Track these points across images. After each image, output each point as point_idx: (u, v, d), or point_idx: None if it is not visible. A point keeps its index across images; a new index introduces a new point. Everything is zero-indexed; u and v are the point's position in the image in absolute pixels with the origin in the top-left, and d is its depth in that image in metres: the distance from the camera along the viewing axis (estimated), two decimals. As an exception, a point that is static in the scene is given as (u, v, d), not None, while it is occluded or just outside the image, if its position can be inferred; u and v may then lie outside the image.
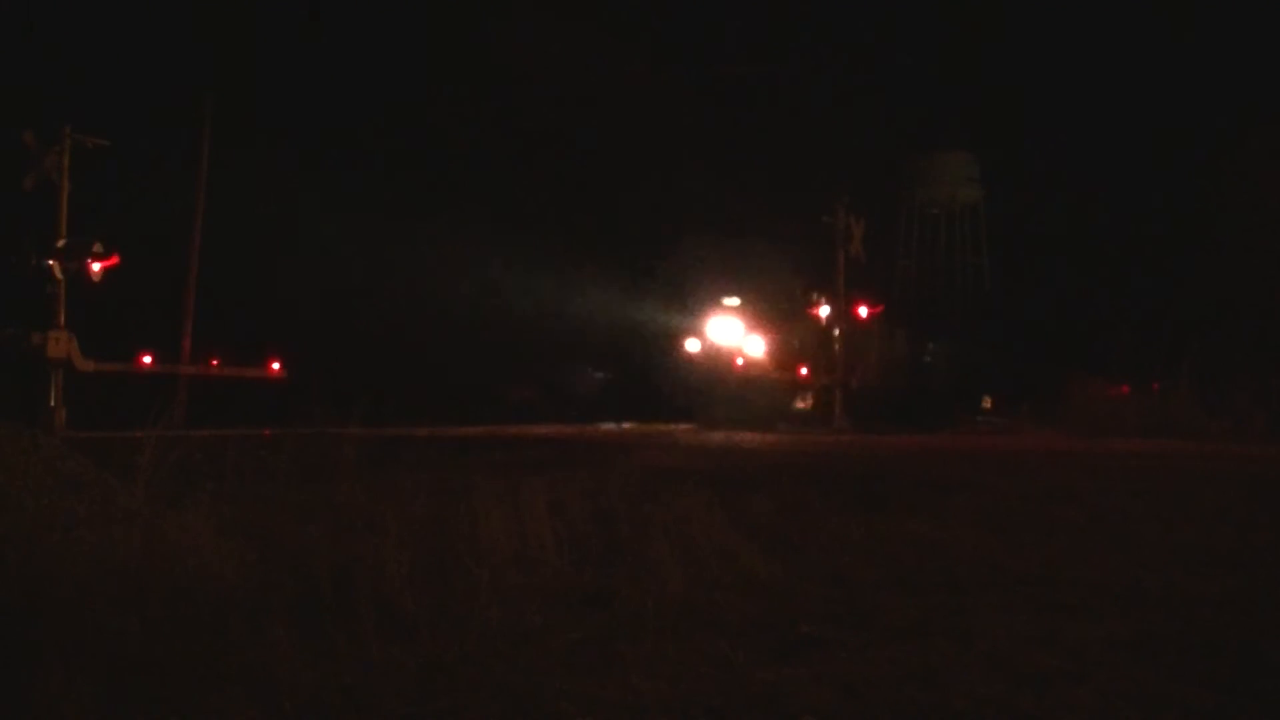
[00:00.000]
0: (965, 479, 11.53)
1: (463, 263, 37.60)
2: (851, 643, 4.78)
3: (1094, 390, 34.25)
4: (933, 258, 71.40)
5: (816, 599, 5.69)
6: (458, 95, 31.75)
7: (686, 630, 4.85)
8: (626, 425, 28.63)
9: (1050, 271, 56.34)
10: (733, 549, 6.56)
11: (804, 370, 34.59)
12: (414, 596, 5.10)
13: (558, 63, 35.11)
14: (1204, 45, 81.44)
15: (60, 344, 18.94)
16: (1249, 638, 5.01)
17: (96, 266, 19.40)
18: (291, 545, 5.92)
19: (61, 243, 19.11)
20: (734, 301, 36.27)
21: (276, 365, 26.76)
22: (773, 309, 36.15)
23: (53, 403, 18.76)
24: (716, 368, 35.13)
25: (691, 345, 36.34)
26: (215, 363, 26.29)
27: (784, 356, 35.36)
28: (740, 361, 35.48)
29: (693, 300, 36.79)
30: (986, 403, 41.46)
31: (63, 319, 19.29)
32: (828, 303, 32.29)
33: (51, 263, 19.04)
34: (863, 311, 32.84)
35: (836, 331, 32.64)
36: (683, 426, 28.52)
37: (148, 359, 25.33)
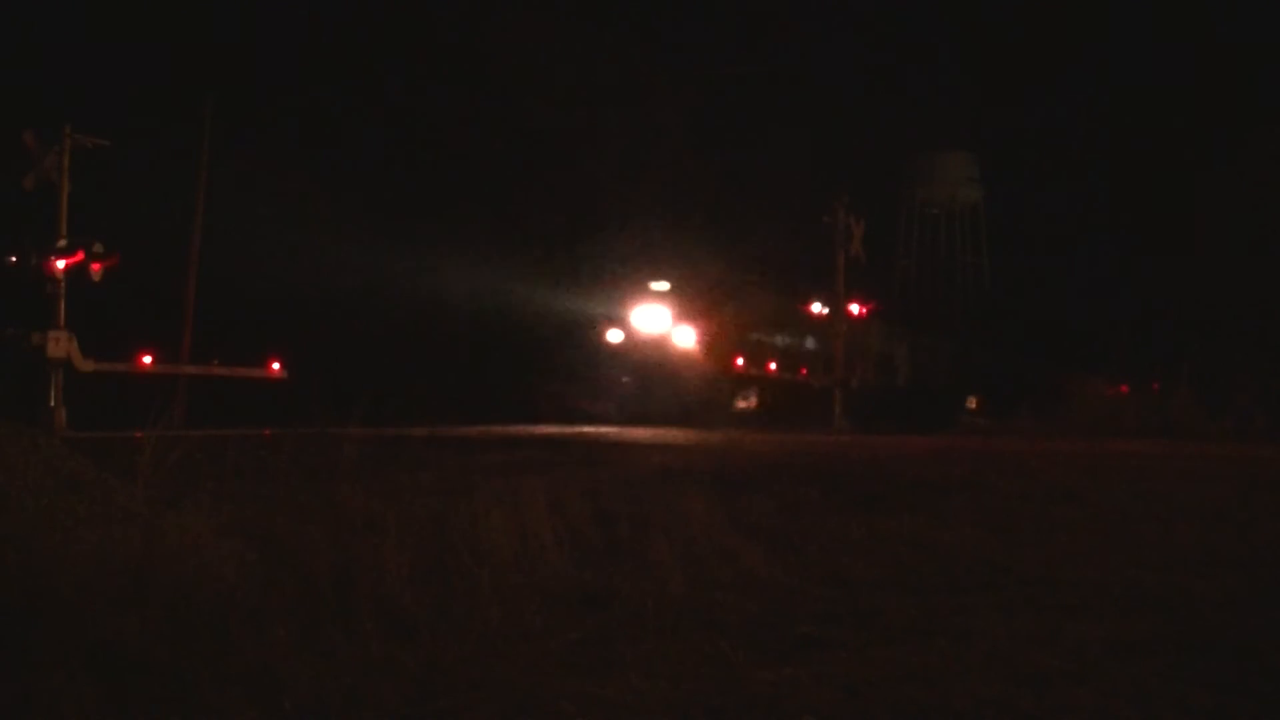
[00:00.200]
0: (965, 479, 11.53)
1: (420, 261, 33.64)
2: (851, 643, 4.78)
3: (1094, 390, 34.25)
4: (933, 258, 71.41)
5: (816, 599, 5.69)
6: (455, 94, 31.33)
7: (686, 630, 4.85)
8: (518, 429, 21.50)
9: (1050, 271, 56.39)
10: (733, 549, 6.56)
11: (740, 362, 32.13)
12: (414, 596, 5.10)
13: (552, 61, 34.09)
14: (1204, 45, 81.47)
15: (60, 344, 18.94)
16: (1249, 638, 5.01)
17: (96, 266, 19.40)
18: (291, 545, 5.92)
19: (62, 243, 19.11)
20: (663, 285, 32.24)
21: (276, 365, 26.76)
22: (709, 294, 32.52)
23: (53, 403, 18.76)
24: (643, 360, 31.10)
25: (613, 336, 32.00)
26: (215, 363, 26.29)
27: (722, 348, 32.04)
28: (678, 352, 31.41)
29: (616, 284, 32.47)
30: (972, 403, 41.16)
31: (63, 319, 19.30)
32: (825, 302, 31.79)
33: (51, 262, 19.04)
34: (854, 309, 32.01)
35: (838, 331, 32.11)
36: (605, 429, 22.97)
37: (148, 359, 25.31)
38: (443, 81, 31.93)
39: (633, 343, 31.55)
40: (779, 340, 35.87)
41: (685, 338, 31.71)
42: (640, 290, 32.14)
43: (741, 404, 32.40)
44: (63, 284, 19.18)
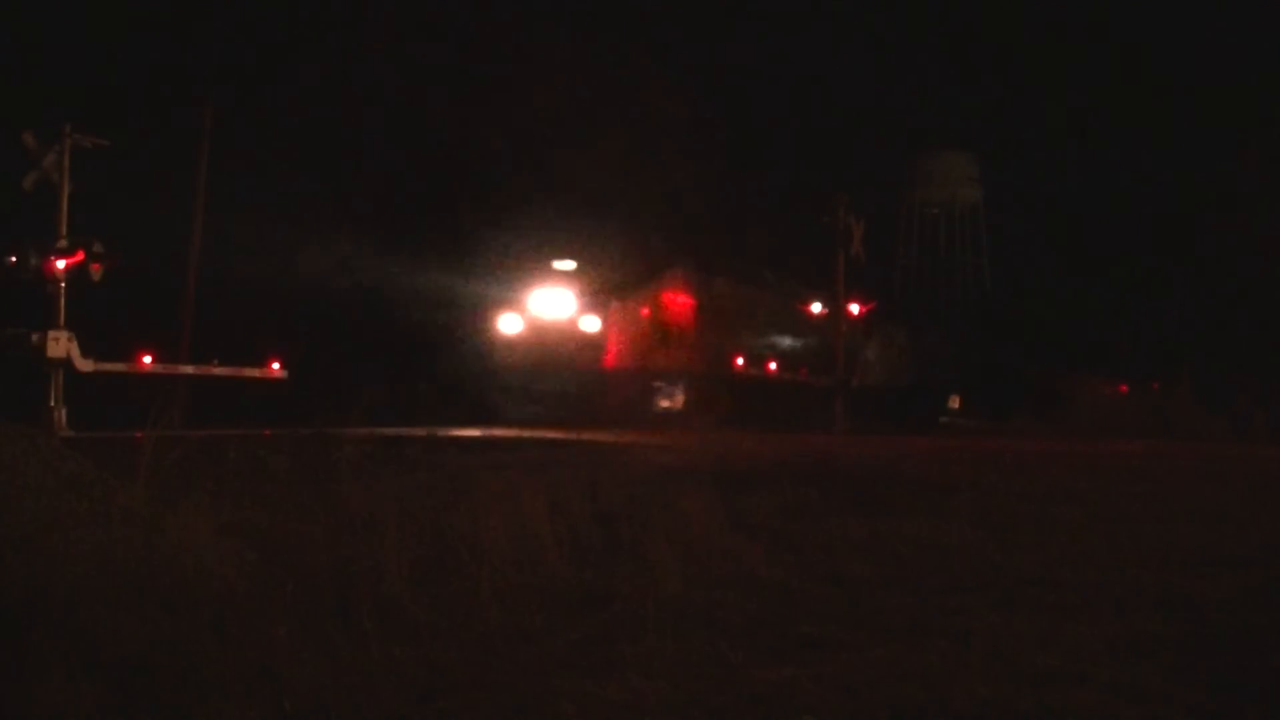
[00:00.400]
0: (965, 479, 11.53)
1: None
2: (851, 643, 4.78)
3: (1093, 390, 34.30)
4: (933, 258, 71.43)
5: (816, 599, 5.69)
6: (453, 93, 30.83)
7: (686, 630, 4.85)
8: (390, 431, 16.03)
9: (1050, 272, 56.40)
10: (733, 549, 6.56)
11: (673, 358, 28.36)
12: (414, 596, 5.10)
13: (547, 58, 33.09)
14: (1204, 45, 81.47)
15: (60, 344, 18.93)
16: (1249, 638, 5.02)
17: (96, 267, 19.40)
18: (291, 545, 5.93)
19: (62, 243, 19.11)
20: (568, 265, 27.17)
21: (276, 365, 26.75)
22: (626, 279, 27.72)
23: (53, 403, 18.75)
24: (543, 352, 26.06)
25: (508, 323, 26.75)
26: (215, 363, 26.28)
27: (643, 341, 27.65)
28: (583, 343, 26.76)
29: (515, 265, 27.17)
30: (954, 402, 40.44)
31: (63, 319, 19.29)
32: (824, 301, 31.65)
33: (51, 262, 19.04)
34: (853, 308, 31.76)
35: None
36: (497, 432, 19.04)
37: (148, 359, 25.31)
38: (442, 79, 31.29)
39: (531, 332, 26.52)
40: (759, 339, 33.56)
41: (593, 326, 26.75)
42: (542, 270, 27.04)
43: (665, 403, 28.03)
44: (63, 284, 19.17)
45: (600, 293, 27.32)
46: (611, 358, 27.03)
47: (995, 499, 9.93)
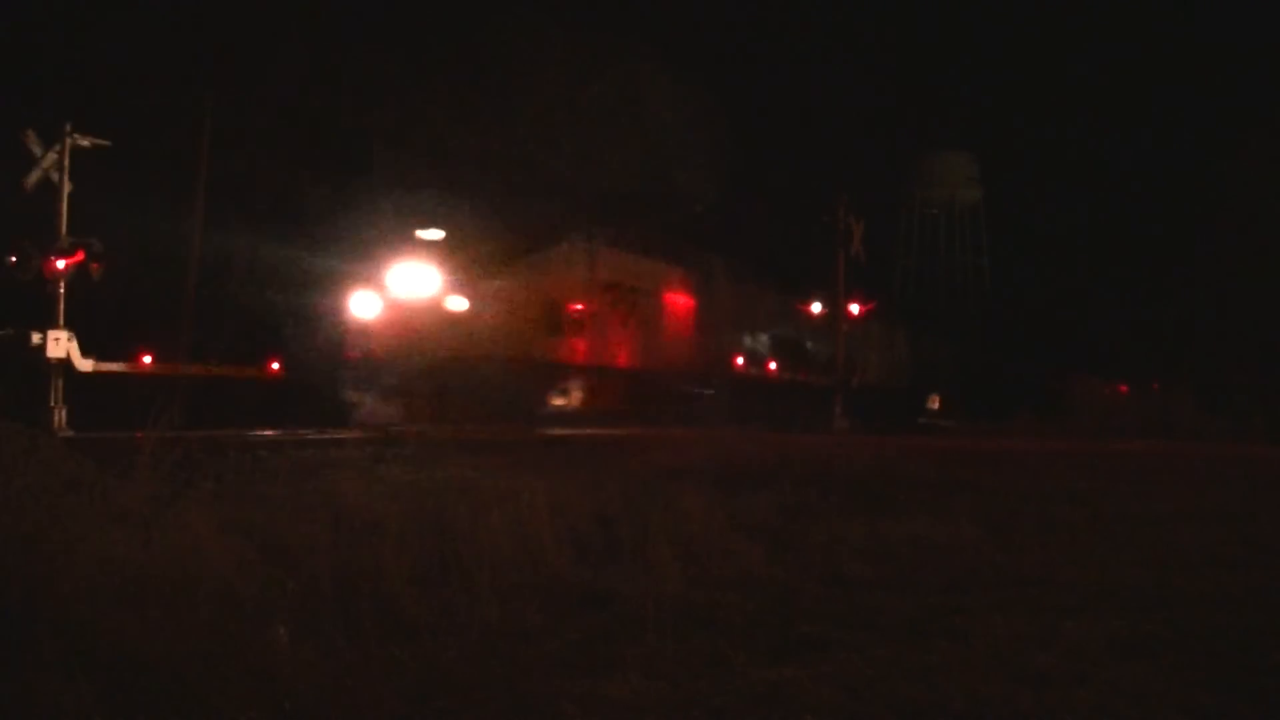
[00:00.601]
0: (965, 479, 11.53)
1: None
2: (851, 643, 4.78)
3: (1093, 390, 34.32)
4: (933, 258, 71.49)
5: (816, 599, 5.68)
6: (453, 90, 30.25)
7: (686, 630, 4.85)
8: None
9: (1050, 272, 56.44)
10: (733, 549, 6.57)
11: (567, 347, 23.92)
12: (414, 596, 5.10)
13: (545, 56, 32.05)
14: (1204, 45, 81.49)
15: (60, 344, 18.92)
16: (1249, 638, 5.02)
17: (96, 266, 19.40)
18: (291, 545, 5.92)
19: (62, 243, 19.10)
20: (434, 235, 22.36)
21: (276, 365, 26.74)
22: (509, 252, 22.94)
23: (53, 403, 18.74)
24: (403, 340, 21.63)
25: (363, 303, 21.95)
26: (215, 362, 26.27)
27: (530, 326, 22.92)
28: (450, 327, 21.59)
29: (375, 236, 22.44)
30: (934, 402, 39.86)
31: (62, 319, 19.29)
32: (824, 301, 31.59)
33: (51, 262, 19.04)
34: (854, 309, 31.64)
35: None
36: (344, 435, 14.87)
37: (148, 359, 25.31)
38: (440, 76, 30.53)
39: (390, 315, 21.99)
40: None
41: (460, 305, 22.08)
42: (404, 241, 22.31)
43: (559, 400, 23.96)
44: (63, 284, 19.17)
45: (476, 267, 22.22)
46: (490, 345, 21.82)
47: (995, 499, 9.93)
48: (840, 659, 4.52)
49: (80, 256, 19.19)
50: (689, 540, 6.63)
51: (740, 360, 32.75)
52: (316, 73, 28.05)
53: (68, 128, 19.14)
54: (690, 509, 7.34)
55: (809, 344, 34.84)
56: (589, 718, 3.82)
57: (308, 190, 24.38)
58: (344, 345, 22.24)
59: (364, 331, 22.08)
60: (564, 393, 24.37)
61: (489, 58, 29.35)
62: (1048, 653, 4.63)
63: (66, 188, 19.27)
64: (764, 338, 34.51)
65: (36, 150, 18.88)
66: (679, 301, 29.65)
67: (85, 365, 19.48)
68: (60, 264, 19.07)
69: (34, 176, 19.00)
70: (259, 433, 14.87)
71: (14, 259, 19.04)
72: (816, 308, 31.89)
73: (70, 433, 16.36)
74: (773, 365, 34.14)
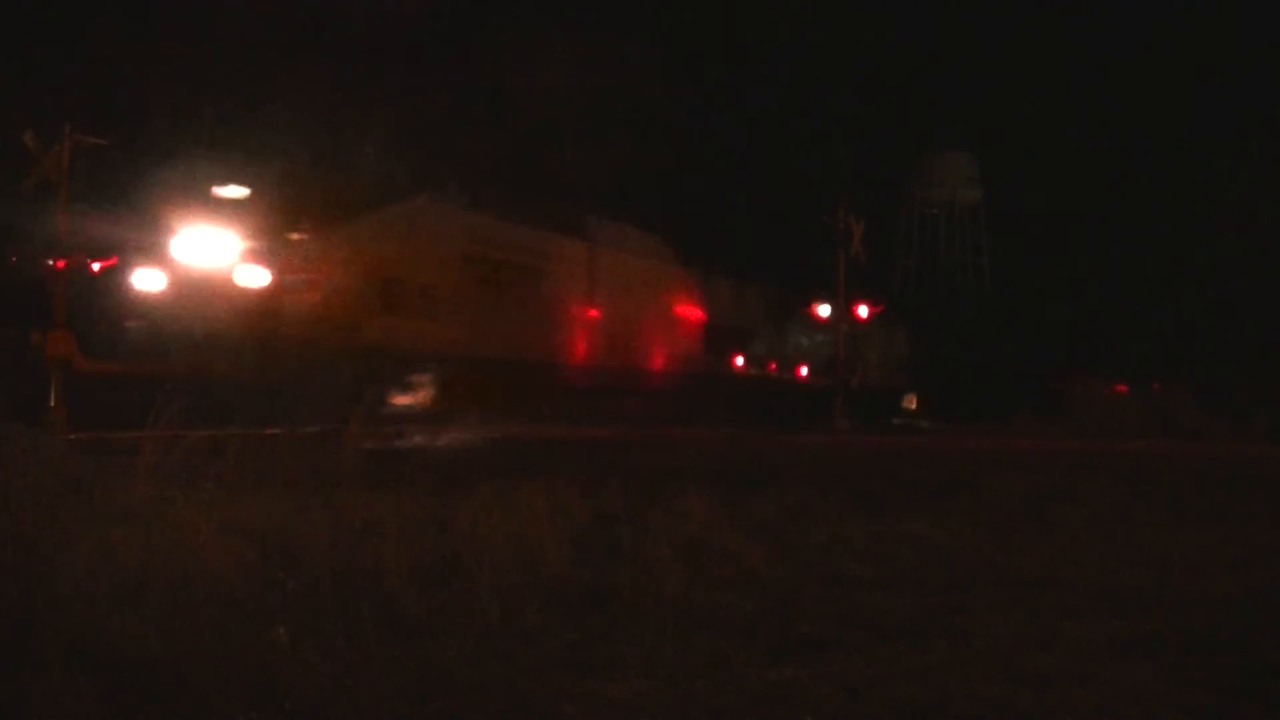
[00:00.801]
0: (965, 479, 11.54)
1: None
2: (851, 643, 4.78)
3: (1093, 390, 34.32)
4: (933, 258, 71.52)
5: (816, 599, 5.69)
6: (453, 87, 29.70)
7: (686, 630, 4.85)
8: None
9: (1050, 272, 56.43)
10: (733, 549, 6.56)
11: (414, 331, 19.65)
12: (414, 596, 5.10)
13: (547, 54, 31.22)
14: (1204, 45, 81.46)
15: (60, 344, 18.92)
16: (1249, 638, 5.02)
17: (96, 266, 19.42)
18: (291, 545, 5.92)
19: (62, 242, 19.12)
20: (235, 192, 18.41)
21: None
22: (337, 211, 18.58)
23: (53, 403, 18.75)
24: (189, 321, 17.50)
25: (145, 279, 18.37)
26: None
27: (360, 303, 18.60)
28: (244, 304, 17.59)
29: (165, 195, 18.10)
30: (910, 402, 39.05)
31: (62, 319, 19.29)
32: (827, 302, 31.54)
33: (51, 262, 19.05)
34: (862, 311, 31.61)
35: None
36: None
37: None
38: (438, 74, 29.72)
39: (175, 291, 18.00)
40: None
41: (261, 279, 17.82)
42: (198, 201, 18.16)
43: (405, 398, 19.34)
44: (63, 284, 19.18)
45: (290, 230, 18.19)
46: (304, 327, 17.78)
47: (995, 499, 9.93)
48: (840, 659, 4.52)
49: (80, 256, 19.19)
50: (689, 540, 6.63)
51: (740, 360, 32.75)
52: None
53: (67, 128, 19.12)
54: (690, 509, 7.35)
55: (806, 343, 34.87)
56: (589, 718, 3.82)
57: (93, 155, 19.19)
58: (123, 327, 18.22)
59: (143, 312, 18.16)
60: (410, 388, 19.56)
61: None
62: (1048, 653, 4.64)
63: (66, 188, 19.23)
64: (763, 337, 34.55)
65: (36, 151, 18.86)
66: (580, 284, 24.70)
67: (85, 365, 19.47)
68: (60, 264, 19.08)
69: (34, 177, 18.99)
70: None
71: (14, 259, 19.06)
72: (824, 310, 31.83)
73: (71, 432, 16.34)
74: (774, 365, 34.18)
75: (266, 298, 17.92)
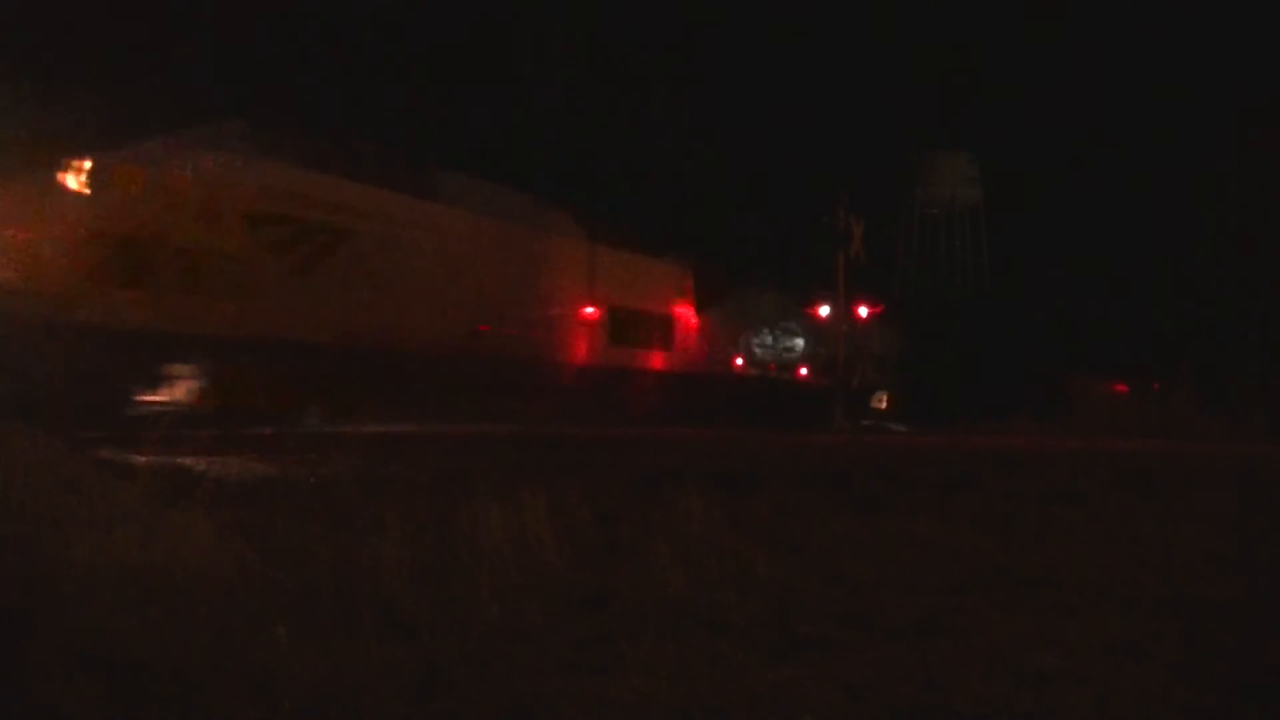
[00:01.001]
0: (965, 479, 11.53)
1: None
2: (851, 643, 4.78)
3: (1093, 390, 34.28)
4: (933, 258, 71.53)
5: (816, 599, 5.68)
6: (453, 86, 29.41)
7: (686, 630, 4.85)
8: None
9: (1050, 272, 56.39)
10: (733, 549, 6.56)
11: (172, 308, 15.45)
12: (414, 596, 5.10)
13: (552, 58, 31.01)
14: (1204, 45, 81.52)
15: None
16: (1249, 638, 5.02)
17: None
18: (291, 545, 5.92)
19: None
20: None
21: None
22: (48, 156, 14.54)
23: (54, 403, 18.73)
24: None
25: None
26: None
27: (87, 269, 14.40)
28: None
29: None
30: (880, 401, 37.93)
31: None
32: (827, 302, 31.60)
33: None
34: (863, 311, 31.66)
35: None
36: None
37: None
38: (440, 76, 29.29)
39: None
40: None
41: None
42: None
43: (160, 394, 15.30)
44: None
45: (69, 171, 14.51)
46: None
47: (995, 499, 9.93)
48: (840, 659, 4.52)
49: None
50: (689, 540, 6.63)
51: (740, 360, 32.75)
52: None
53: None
54: (690, 509, 7.34)
55: (804, 341, 34.88)
56: (589, 718, 3.82)
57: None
58: None
59: None
60: (168, 382, 15.40)
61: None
62: (1048, 653, 4.63)
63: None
64: (764, 337, 34.52)
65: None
66: (436, 255, 20.41)
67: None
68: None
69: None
70: None
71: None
72: (825, 310, 31.89)
73: (71, 433, 16.30)
74: (774, 366, 34.16)
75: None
